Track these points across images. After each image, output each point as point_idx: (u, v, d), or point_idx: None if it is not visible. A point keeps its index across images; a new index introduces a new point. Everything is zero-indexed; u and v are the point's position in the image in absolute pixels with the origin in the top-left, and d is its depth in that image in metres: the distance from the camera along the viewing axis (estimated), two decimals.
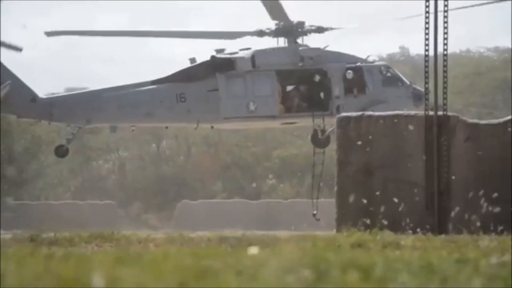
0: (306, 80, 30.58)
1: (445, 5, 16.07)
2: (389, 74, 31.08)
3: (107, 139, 59.08)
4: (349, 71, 30.29)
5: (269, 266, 5.99)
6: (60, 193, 56.17)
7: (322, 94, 30.61)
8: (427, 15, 16.10)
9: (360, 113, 16.40)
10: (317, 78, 30.48)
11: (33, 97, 29.78)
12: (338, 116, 16.63)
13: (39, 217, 45.58)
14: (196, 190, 55.63)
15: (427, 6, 16.10)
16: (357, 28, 31.69)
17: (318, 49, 30.48)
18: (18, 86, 29.60)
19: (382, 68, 31.09)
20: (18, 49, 29.96)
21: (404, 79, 31.53)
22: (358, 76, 30.53)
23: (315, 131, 31.47)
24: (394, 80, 31.05)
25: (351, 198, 15.71)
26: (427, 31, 16.10)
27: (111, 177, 58.97)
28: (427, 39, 16.11)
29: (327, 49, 30.61)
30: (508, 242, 10.84)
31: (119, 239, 13.26)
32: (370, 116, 16.14)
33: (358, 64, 30.69)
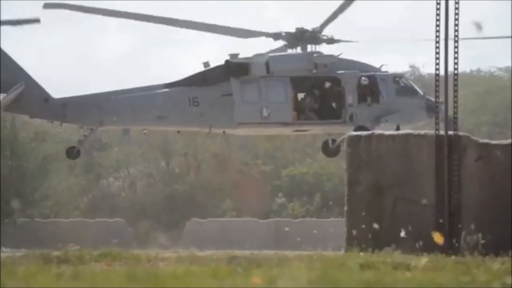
0: (319, 87, 30.49)
1: (456, 25, 16.07)
2: (402, 84, 30.98)
3: (117, 156, 59.11)
4: (363, 79, 30.18)
5: (279, 286, 5.95)
6: (70, 211, 56.20)
7: (335, 102, 30.54)
8: (437, 34, 16.10)
9: (370, 132, 16.36)
10: (330, 85, 30.43)
11: (46, 97, 29.55)
12: (348, 134, 16.60)
13: (49, 235, 45.56)
14: (205, 208, 55.58)
15: (437, 25, 16.11)
16: (368, 44, 31.72)
17: (332, 56, 30.38)
18: (31, 86, 29.37)
19: (396, 77, 30.98)
20: (36, 20, 29.46)
21: (417, 89, 31.42)
22: (372, 84, 30.39)
23: (326, 140, 31.42)
24: (407, 90, 30.93)
25: (361, 218, 15.66)
26: (437, 50, 16.09)
27: (121, 195, 58.99)
28: (437, 58, 16.10)
29: (340, 57, 30.56)
30: None
31: (128, 258, 13.22)
32: (380, 135, 16.10)
33: (372, 73, 30.62)
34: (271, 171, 58.21)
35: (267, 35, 30.65)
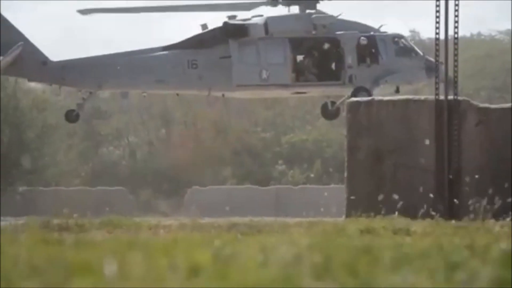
0: (318, 48, 30.29)
1: None
2: (402, 45, 30.80)
3: (116, 125, 59.10)
4: (362, 40, 29.97)
5: (278, 252, 5.98)
6: (71, 179, 56.31)
7: (334, 63, 30.35)
8: None
9: (370, 98, 16.34)
10: (330, 46, 30.21)
11: (44, 60, 29.40)
12: (348, 100, 16.57)
13: (50, 203, 45.70)
14: (206, 176, 55.69)
15: None
16: (368, 7, 31.52)
17: (332, 16, 30.13)
18: (29, 48, 29.20)
19: (396, 38, 30.76)
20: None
21: (417, 49, 31.24)
22: (371, 45, 30.18)
23: (325, 103, 31.30)
24: (407, 51, 30.74)
25: (362, 184, 15.69)
26: (437, 14, 16.01)
27: (122, 163, 59.08)
28: (437, 23, 16.03)
29: (340, 17, 30.34)
30: None
31: (129, 226, 13.28)
32: (380, 100, 16.08)
33: (371, 33, 30.43)
34: (271, 138, 58.23)
35: (265, 3, 30.43)
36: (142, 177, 56.97)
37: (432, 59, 29.60)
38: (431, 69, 29.02)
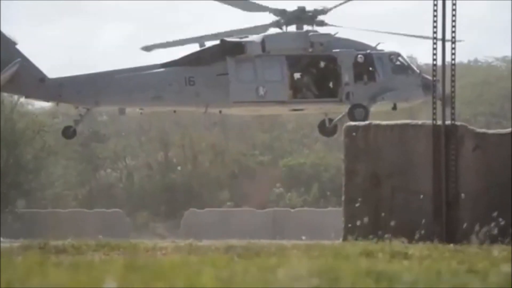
0: (316, 66, 30.49)
1: (453, 15, 16.06)
2: (399, 62, 30.94)
3: (114, 147, 59.09)
4: (359, 58, 30.09)
5: (276, 275, 5.97)
6: (68, 202, 56.23)
7: (331, 81, 30.49)
8: (435, 24, 16.09)
9: (367, 122, 16.38)
10: (327, 64, 30.40)
11: (41, 77, 29.41)
12: (345, 124, 16.61)
13: (47, 225, 45.59)
14: (203, 198, 55.63)
15: (435, 16, 16.10)
16: (366, 34, 31.68)
17: (328, 34, 30.32)
18: (27, 65, 29.25)
19: (392, 56, 30.92)
20: (13, 42, 29.69)
21: (414, 67, 31.38)
22: (368, 63, 30.34)
23: (323, 120, 31.38)
24: (404, 68, 30.87)
25: (359, 208, 15.69)
26: (435, 40, 16.09)
27: (119, 186, 59.03)
28: (435, 49, 16.10)
29: (336, 36, 30.49)
30: None
31: (126, 248, 13.25)
32: (378, 125, 16.12)
33: (368, 51, 30.55)
34: (269, 161, 58.25)
35: (269, 26, 30.58)
36: (139, 199, 56.90)
37: (429, 77, 29.70)
38: (428, 87, 29.18)
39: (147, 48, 31.17)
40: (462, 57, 64.06)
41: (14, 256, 10.42)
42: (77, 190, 58.78)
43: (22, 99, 53.24)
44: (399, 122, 16.35)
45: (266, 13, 30.69)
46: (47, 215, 50.81)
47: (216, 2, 30.21)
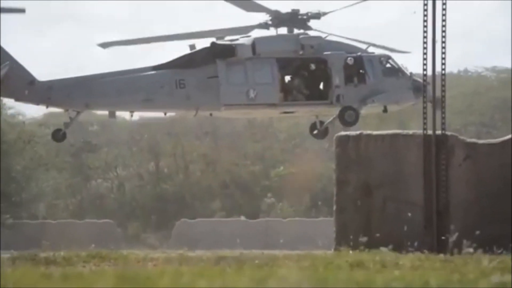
0: (306, 68, 30.41)
1: (443, 25, 16.12)
2: (389, 65, 30.97)
3: (105, 157, 59.00)
4: (349, 60, 30.12)
5: (268, 285, 5.97)
6: (59, 212, 56.09)
7: (322, 83, 30.49)
8: (425, 34, 16.14)
9: (358, 132, 16.40)
10: (317, 66, 30.35)
11: (31, 80, 29.20)
12: (336, 135, 16.63)
13: (38, 236, 45.46)
14: (194, 208, 55.57)
15: (425, 26, 16.15)
16: (357, 43, 31.53)
17: (319, 37, 30.30)
18: (16, 68, 29.02)
19: (382, 58, 30.92)
20: (21, 10, 29.37)
21: (404, 70, 31.43)
22: (358, 65, 30.31)
23: (314, 122, 31.36)
24: (394, 71, 30.88)
25: (350, 218, 15.69)
26: (425, 50, 16.14)
27: (110, 196, 58.92)
28: (425, 59, 16.14)
29: (327, 38, 30.51)
30: (508, 262, 10.81)
31: (117, 259, 13.21)
32: (369, 135, 16.14)
33: (359, 53, 30.62)
34: (260, 171, 58.23)
35: (258, 27, 30.57)
36: (131, 209, 56.80)
37: (420, 80, 29.73)
38: (419, 89, 29.19)
39: (104, 45, 30.82)
40: (452, 67, 64.29)
41: (5, 268, 10.38)
42: (68, 200, 58.64)
43: (12, 110, 53.01)
44: (390, 132, 16.38)
45: (255, 13, 30.67)
46: (38, 226, 50.67)
47: (211, 3, 30.17)
